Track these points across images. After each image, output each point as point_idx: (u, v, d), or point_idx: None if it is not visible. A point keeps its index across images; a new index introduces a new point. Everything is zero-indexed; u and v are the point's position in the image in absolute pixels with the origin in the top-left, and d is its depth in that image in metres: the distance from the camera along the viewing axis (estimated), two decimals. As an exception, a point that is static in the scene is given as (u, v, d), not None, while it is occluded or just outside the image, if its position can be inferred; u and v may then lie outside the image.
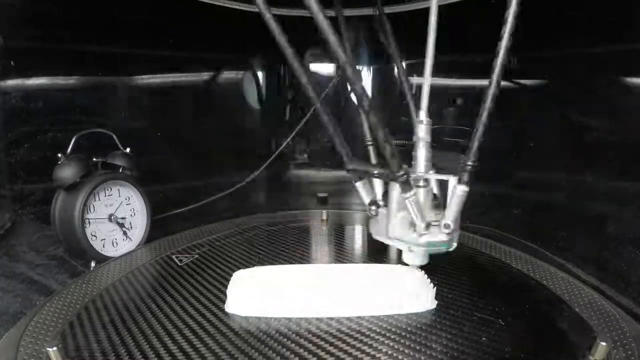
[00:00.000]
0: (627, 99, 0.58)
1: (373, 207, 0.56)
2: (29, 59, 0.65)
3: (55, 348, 0.37)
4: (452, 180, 0.47)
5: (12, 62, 0.62)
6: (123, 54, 0.77)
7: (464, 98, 0.85)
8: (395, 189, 0.49)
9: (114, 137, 0.68)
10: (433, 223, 0.48)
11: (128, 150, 0.69)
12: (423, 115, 0.51)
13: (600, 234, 0.60)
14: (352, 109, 1.02)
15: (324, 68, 1.04)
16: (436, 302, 0.48)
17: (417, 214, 0.46)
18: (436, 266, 0.57)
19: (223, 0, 0.84)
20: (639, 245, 0.54)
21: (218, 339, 0.42)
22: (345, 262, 0.61)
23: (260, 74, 1.04)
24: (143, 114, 0.84)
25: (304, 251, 0.65)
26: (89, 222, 0.63)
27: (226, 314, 0.47)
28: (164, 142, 0.86)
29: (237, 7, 0.86)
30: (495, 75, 0.42)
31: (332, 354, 0.39)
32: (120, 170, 0.67)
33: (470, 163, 0.44)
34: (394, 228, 0.51)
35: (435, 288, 0.49)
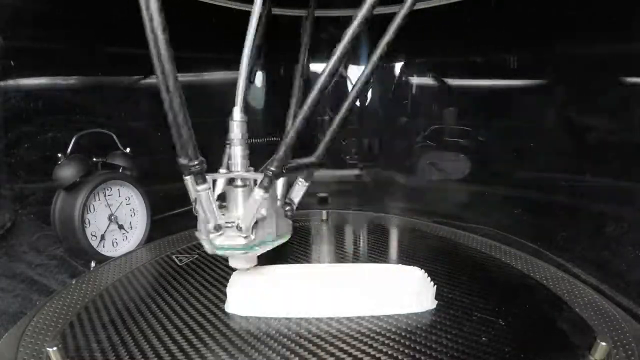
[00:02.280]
0: (627, 99, 0.58)
1: (195, 203, 0.49)
2: (29, 59, 0.65)
3: (55, 348, 0.37)
4: (254, 180, 0.45)
5: (12, 62, 0.62)
6: (123, 54, 0.77)
7: (463, 98, 0.85)
8: (190, 181, 0.45)
9: (114, 137, 0.68)
10: (226, 224, 0.44)
11: (128, 150, 0.69)
12: (237, 112, 0.48)
13: (600, 234, 0.60)
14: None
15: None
16: (436, 302, 0.48)
17: (207, 212, 0.43)
18: (436, 266, 0.57)
19: (223, 0, 0.84)
20: (639, 245, 0.54)
21: (218, 339, 0.42)
22: (345, 262, 0.61)
23: (260, 74, 1.04)
24: (143, 114, 0.83)
25: (304, 251, 0.65)
26: (89, 222, 0.63)
27: (226, 314, 0.47)
28: (164, 142, 0.86)
29: (238, 7, 0.86)
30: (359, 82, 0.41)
31: (332, 354, 0.39)
32: (120, 170, 0.67)
33: (272, 169, 0.42)
34: (200, 226, 0.47)
35: (435, 288, 0.49)
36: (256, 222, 0.44)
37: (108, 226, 0.66)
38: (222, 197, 0.50)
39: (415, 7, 0.41)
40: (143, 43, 0.39)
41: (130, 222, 0.69)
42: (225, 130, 0.49)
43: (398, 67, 0.98)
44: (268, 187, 0.43)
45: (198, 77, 0.95)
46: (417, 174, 0.93)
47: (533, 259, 0.61)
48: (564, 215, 0.68)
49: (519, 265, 0.59)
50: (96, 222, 0.65)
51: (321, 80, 0.40)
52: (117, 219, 0.67)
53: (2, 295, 0.54)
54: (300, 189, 0.52)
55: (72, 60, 0.70)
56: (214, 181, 0.51)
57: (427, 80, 0.85)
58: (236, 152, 0.48)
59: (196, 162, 0.41)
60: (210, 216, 0.44)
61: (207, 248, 0.46)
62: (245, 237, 0.44)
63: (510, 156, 0.76)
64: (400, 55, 0.90)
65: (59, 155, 0.61)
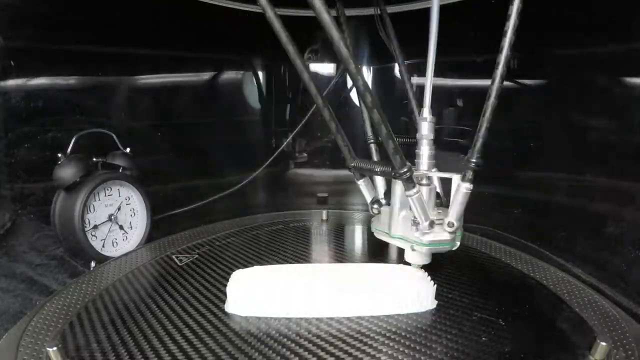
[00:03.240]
0: (627, 99, 0.58)
1: (375, 206, 0.55)
2: (29, 59, 0.65)
3: (55, 348, 0.37)
4: (455, 178, 0.46)
5: (12, 62, 0.62)
6: (123, 54, 0.77)
7: (463, 98, 0.85)
8: (398, 186, 0.49)
9: (114, 137, 0.69)
10: (436, 222, 0.47)
11: (128, 150, 0.69)
12: (426, 112, 0.51)
13: (600, 234, 0.60)
14: (351, 108, 1.02)
15: (324, 68, 1.04)
16: (436, 302, 0.48)
17: (420, 212, 0.46)
18: (436, 266, 0.57)
19: (224, 0, 0.84)
20: (639, 245, 0.54)
21: (218, 339, 0.42)
22: (345, 262, 0.61)
23: (260, 74, 1.04)
24: (143, 114, 0.83)
25: (304, 251, 0.65)
26: (89, 222, 0.63)
27: (226, 314, 0.47)
28: (164, 142, 0.86)
29: (238, 7, 0.86)
30: (499, 71, 0.41)
31: (332, 354, 0.39)
32: (120, 170, 0.67)
33: (473, 161, 0.44)
34: (396, 227, 0.50)
35: (435, 288, 0.49)
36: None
37: (108, 226, 0.66)
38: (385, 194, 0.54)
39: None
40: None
41: (130, 222, 0.69)
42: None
43: (398, 67, 0.98)
44: (472, 180, 0.44)
45: (197, 77, 0.95)
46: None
47: (533, 259, 0.61)
48: (564, 215, 0.68)
49: (519, 265, 0.59)
50: (96, 222, 0.64)
51: (499, 72, 0.41)
52: (117, 219, 0.67)
53: (2, 295, 0.54)
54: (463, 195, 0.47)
55: (72, 61, 0.70)
56: (372, 182, 0.56)
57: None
58: (424, 151, 0.50)
59: (405, 169, 0.43)
60: (424, 216, 0.46)
61: (403, 245, 0.50)
62: (453, 232, 0.46)
63: (510, 156, 0.76)
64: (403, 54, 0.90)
65: (59, 155, 0.61)
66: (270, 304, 0.46)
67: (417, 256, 0.51)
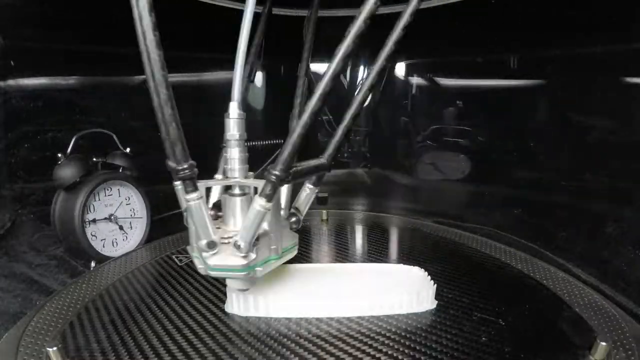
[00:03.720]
0: (627, 99, 0.58)
1: (186, 214, 0.42)
2: (29, 59, 0.65)
3: (55, 348, 0.37)
4: (258, 185, 0.38)
5: (12, 62, 0.62)
6: (123, 54, 0.77)
7: (463, 98, 0.85)
8: (179, 188, 0.39)
9: (114, 137, 0.68)
10: (222, 241, 0.38)
11: (128, 150, 0.69)
12: (235, 107, 0.42)
13: (600, 234, 0.60)
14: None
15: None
16: (436, 302, 0.48)
17: (198, 226, 0.36)
18: (436, 266, 0.57)
19: (224, 0, 0.84)
20: (639, 245, 0.54)
21: (218, 339, 0.42)
22: (345, 262, 0.61)
23: (261, 74, 1.04)
24: (143, 114, 0.83)
25: (304, 251, 0.65)
26: (89, 222, 0.63)
27: (226, 314, 0.47)
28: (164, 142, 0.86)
29: (238, 7, 0.86)
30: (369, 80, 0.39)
31: (332, 354, 0.39)
32: (120, 170, 0.67)
33: (275, 172, 0.35)
34: (192, 240, 0.40)
35: (435, 287, 0.49)
36: (257, 238, 0.38)
37: (108, 226, 0.66)
38: (218, 206, 0.44)
39: (421, 6, 0.39)
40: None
41: (130, 222, 0.69)
42: (221, 132, 0.44)
43: (398, 67, 0.98)
44: (271, 195, 0.35)
45: (197, 77, 0.95)
46: (417, 173, 0.93)
47: (533, 259, 0.61)
48: (564, 215, 0.68)
49: (519, 265, 0.59)
50: (96, 222, 0.64)
51: (326, 79, 0.36)
52: (117, 219, 0.67)
53: (2, 295, 0.54)
54: (308, 195, 0.46)
55: (72, 61, 0.70)
56: (208, 189, 0.45)
57: (427, 80, 0.85)
58: (233, 154, 0.41)
59: (185, 166, 0.34)
60: (202, 231, 0.37)
61: (200, 268, 0.39)
62: (245, 257, 0.37)
63: (510, 156, 0.76)
64: (400, 55, 0.90)
65: (59, 155, 0.61)
66: (270, 304, 0.46)
67: (235, 281, 0.42)
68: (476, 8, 0.73)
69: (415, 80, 0.86)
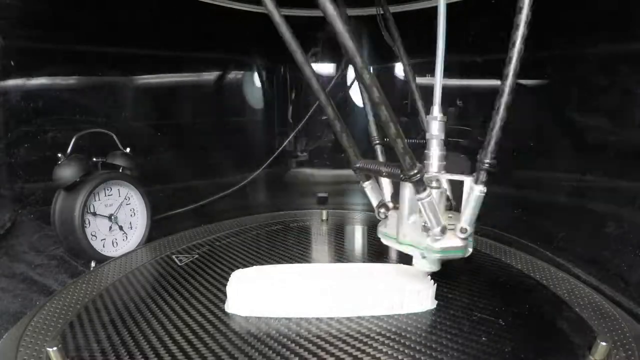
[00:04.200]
0: (627, 98, 0.58)
1: (382, 210, 0.52)
2: (29, 59, 0.65)
3: (55, 348, 0.37)
4: (467, 180, 0.44)
5: (12, 62, 0.62)
6: (123, 54, 0.77)
7: (463, 98, 0.85)
8: (407, 189, 0.46)
9: (114, 137, 0.68)
10: (448, 227, 0.44)
11: (128, 150, 0.69)
12: (437, 111, 0.47)
13: (600, 234, 0.60)
14: (351, 108, 1.02)
15: (324, 68, 1.04)
16: (436, 302, 0.48)
17: (432, 217, 0.43)
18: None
19: (224, 0, 0.84)
20: (639, 245, 0.54)
21: (218, 339, 0.42)
22: (345, 262, 0.61)
23: (261, 74, 1.04)
24: (143, 114, 0.84)
25: (304, 251, 0.65)
26: (89, 222, 0.63)
27: (226, 314, 0.47)
28: (164, 142, 0.86)
29: (238, 7, 0.86)
30: (512, 66, 0.40)
31: (332, 354, 0.39)
32: (120, 170, 0.67)
33: (487, 161, 0.42)
34: (405, 233, 0.47)
35: (435, 287, 0.49)
36: None
37: (108, 226, 0.66)
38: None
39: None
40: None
41: (130, 222, 0.69)
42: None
43: (398, 67, 0.98)
44: (485, 182, 0.42)
45: (198, 77, 0.95)
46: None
47: (533, 259, 0.61)
48: (564, 215, 0.68)
49: (519, 265, 0.59)
50: (96, 222, 0.65)
51: (512, 67, 0.40)
52: (117, 219, 0.67)
53: (2, 295, 0.54)
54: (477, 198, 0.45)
55: (72, 61, 0.70)
56: (379, 183, 0.53)
57: (428, 81, 0.85)
58: (434, 152, 0.47)
59: (416, 171, 0.40)
60: (435, 221, 0.43)
61: (412, 252, 0.47)
62: (464, 239, 0.44)
63: (509, 156, 0.76)
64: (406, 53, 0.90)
65: (59, 155, 0.61)
66: (270, 304, 0.46)
67: (427, 263, 0.48)
68: (476, 8, 0.73)
69: (420, 80, 0.86)
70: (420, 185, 0.41)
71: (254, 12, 0.87)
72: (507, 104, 0.40)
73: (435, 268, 0.48)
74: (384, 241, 0.52)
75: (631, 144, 0.57)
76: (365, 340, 0.41)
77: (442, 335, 0.42)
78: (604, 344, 0.38)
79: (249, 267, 0.53)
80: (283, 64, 1.04)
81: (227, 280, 0.50)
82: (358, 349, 0.40)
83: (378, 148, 0.58)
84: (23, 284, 0.57)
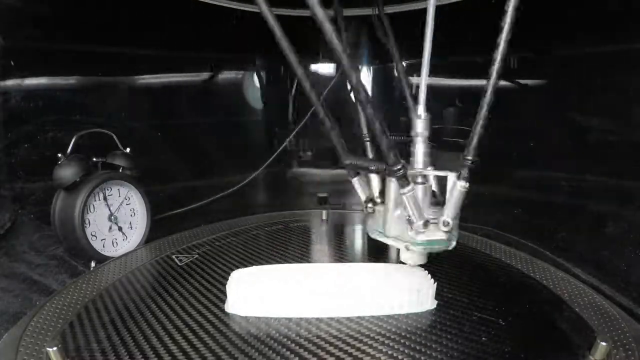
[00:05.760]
0: (627, 98, 0.58)
1: (370, 205, 0.54)
2: (29, 59, 0.65)
3: (55, 348, 0.37)
4: (451, 176, 0.46)
5: (12, 62, 0.62)
6: (123, 54, 0.77)
7: (463, 98, 0.85)
8: (393, 184, 0.48)
9: (114, 137, 0.68)
10: (431, 221, 0.46)
11: (128, 150, 0.69)
12: (421, 109, 0.49)
13: (600, 234, 0.60)
14: (351, 108, 1.02)
15: (323, 68, 1.04)
16: (436, 302, 0.48)
17: (414, 210, 0.45)
18: (436, 266, 0.57)
19: (224, 0, 0.84)
20: (639, 245, 0.54)
21: (218, 339, 0.42)
22: (345, 262, 0.61)
23: (261, 74, 1.04)
24: (143, 114, 0.84)
25: (304, 251, 0.65)
26: (89, 222, 0.63)
27: (226, 314, 0.47)
28: (164, 142, 0.86)
29: (238, 7, 0.86)
30: (495, 67, 0.41)
31: (332, 354, 0.39)
32: (120, 170, 0.67)
33: (469, 158, 0.43)
34: (390, 226, 0.49)
35: (435, 287, 0.49)
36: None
37: (108, 226, 0.66)
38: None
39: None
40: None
41: (130, 222, 0.69)
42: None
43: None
44: (468, 178, 0.43)
45: (198, 78, 0.95)
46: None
47: (533, 259, 0.61)
48: (564, 215, 0.68)
49: (519, 265, 0.59)
50: (96, 222, 0.64)
51: (495, 68, 0.41)
52: (117, 219, 0.67)
53: (2, 295, 0.54)
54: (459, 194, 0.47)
55: (72, 61, 0.70)
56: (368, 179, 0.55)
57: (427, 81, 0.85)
58: (419, 149, 0.49)
59: (399, 166, 0.42)
60: (417, 214, 0.45)
61: (398, 245, 0.49)
62: (447, 232, 0.45)
63: (510, 156, 0.76)
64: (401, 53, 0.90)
65: (59, 155, 0.61)
66: (270, 304, 0.46)
67: (413, 256, 0.50)
68: (476, 8, 0.73)
69: (415, 80, 0.86)
70: (403, 180, 0.43)
71: (253, 12, 0.87)
72: (489, 104, 0.42)
73: (422, 260, 0.50)
74: (372, 235, 0.54)
75: (631, 144, 0.57)
76: (365, 340, 0.41)
77: (442, 336, 0.42)
78: (603, 343, 0.38)
79: (249, 267, 0.53)
80: (283, 63, 1.04)
81: (227, 280, 0.50)
82: (358, 349, 0.40)
83: (367, 144, 0.60)
84: (23, 284, 0.57)
